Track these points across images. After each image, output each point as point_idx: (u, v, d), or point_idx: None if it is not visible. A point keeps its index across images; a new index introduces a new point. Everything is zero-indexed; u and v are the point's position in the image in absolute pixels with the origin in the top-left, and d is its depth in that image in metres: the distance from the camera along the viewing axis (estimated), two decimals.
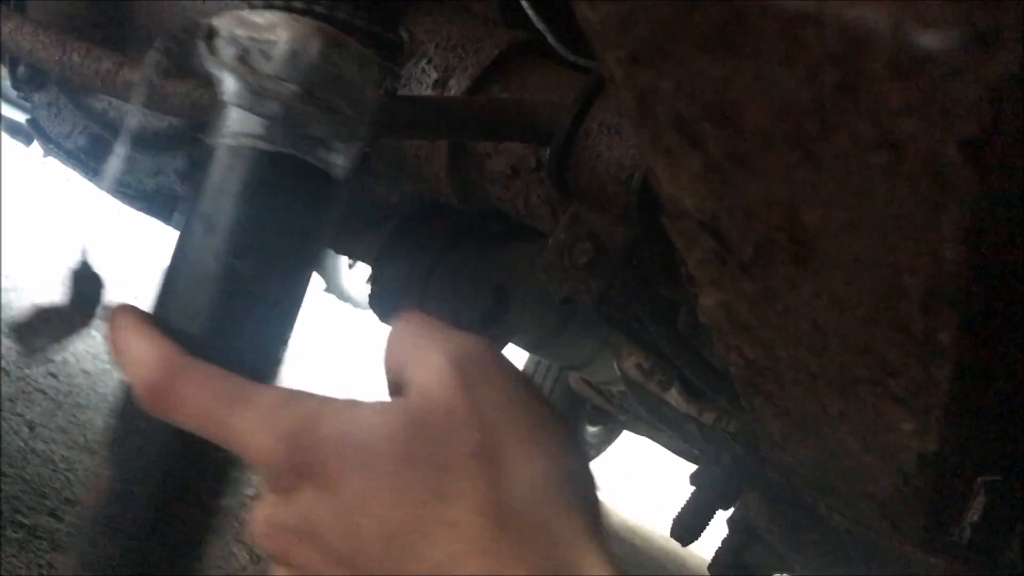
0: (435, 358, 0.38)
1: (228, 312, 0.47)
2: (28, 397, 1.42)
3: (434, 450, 0.36)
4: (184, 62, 0.50)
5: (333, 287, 5.63)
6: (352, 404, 0.38)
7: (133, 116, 1.00)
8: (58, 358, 1.64)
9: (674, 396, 1.45)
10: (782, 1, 0.25)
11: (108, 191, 0.49)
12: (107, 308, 0.46)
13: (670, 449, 2.89)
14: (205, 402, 0.40)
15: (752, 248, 0.36)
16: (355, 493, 0.36)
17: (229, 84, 0.47)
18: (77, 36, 0.89)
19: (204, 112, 0.63)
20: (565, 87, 0.91)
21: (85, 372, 1.67)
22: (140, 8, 0.96)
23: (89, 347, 1.85)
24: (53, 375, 1.56)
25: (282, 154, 0.47)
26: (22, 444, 1.25)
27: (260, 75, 0.46)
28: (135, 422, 0.44)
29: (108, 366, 1.79)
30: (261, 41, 0.47)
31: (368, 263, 1.26)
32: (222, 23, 0.48)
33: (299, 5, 0.47)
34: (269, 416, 0.38)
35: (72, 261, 0.48)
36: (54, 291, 0.48)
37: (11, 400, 1.37)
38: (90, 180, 1.04)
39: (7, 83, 3.25)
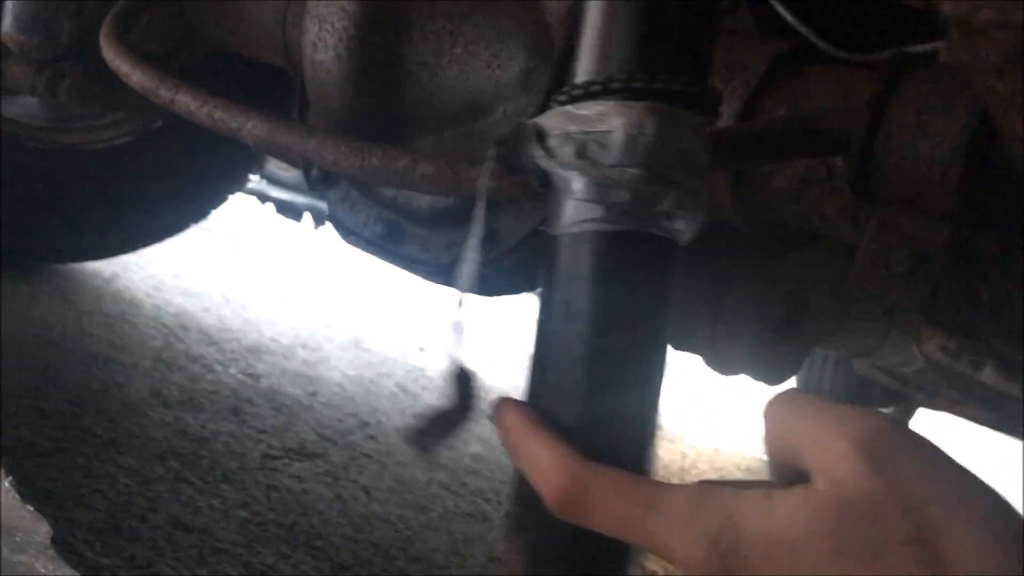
0: (836, 442, 0.37)
1: (603, 392, 0.48)
2: (357, 462, 1.53)
3: (863, 540, 0.35)
4: (512, 162, 0.52)
5: None
6: (766, 497, 0.38)
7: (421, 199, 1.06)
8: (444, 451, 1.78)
9: (989, 375, 1.35)
10: None
11: (467, 289, 0.52)
12: (490, 404, 0.49)
13: (978, 422, 2.68)
14: (619, 509, 0.41)
15: None
16: None
17: (573, 181, 0.48)
18: (368, 138, 0.96)
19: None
20: (844, 88, 0.87)
21: (398, 430, 1.79)
22: (413, 98, 1.02)
23: (395, 405, 1.98)
24: (373, 437, 1.68)
25: (627, 231, 0.48)
26: (363, 508, 1.36)
27: (603, 167, 0.47)
28: (536, 507, 0.46)
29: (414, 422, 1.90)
30: (595, 133, 0.48)
31: None
32: (551, 123, 0.50)
33: (618, 86, 0.48)
34: (688, 519, 0.38)
35: (447, 363, 0.51)
36: (438, 394, 0.51)
37: (344, 467, 1.48)
38: (394, 264, 1.11)
39: (275, 169, 3.51)
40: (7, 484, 0.89)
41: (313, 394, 1.82)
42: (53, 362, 1.45)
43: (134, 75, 1.06)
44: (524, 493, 0.49)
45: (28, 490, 0.96)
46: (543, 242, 0.97)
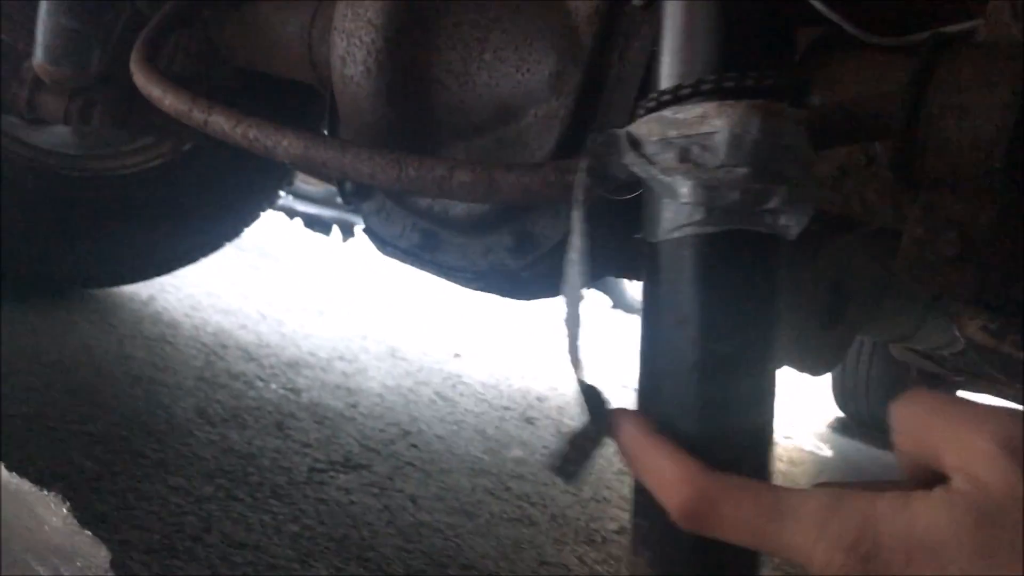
0: (978, 442, 0.36)
1: (720, 398, 0.47)
2: (401, 472, 1.54)
3: (1011, 542, 0.34)
4: (603, 172, 0.51)
5: (620, 303, 5.72)
6: (905, 499, 0.37)
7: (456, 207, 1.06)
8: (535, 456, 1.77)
9: None
10: None
11: (574, 308, 0.51)
12: (609, 416, 0.48)
13: (1020, 402, 2.65)
14: (749, 518, 0.40)
15: None
16: None
17: (678, 185, 0.47)
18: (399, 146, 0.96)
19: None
20: (878, 72, 0.86)
21: (439, 437, 1.79)
22: (443, 106, 1.02)
23: (435, 412, 1.99)
24: (415, 446, 1.68)
25: (732, 231, 0.47)
26: (411, 518, 1.36)
27: (709, 169, 0.46)
28: (661, 518, 0.45)
29: (456, 427, 1.90)
30: (696, 136, 0.47)
31: None
32: (645, 129, 0.49)
33: (709, 87, 0.47)
34: (824, 524, 0.38)
35: (577, 381, 0.50)
36: (572, 417, 0.50)
37: (390, 477, 1.49)
38: (432, 273, 1.11)
39: (301, 184, 3.56)
40: (64, 510, 0.90)
41: (354, 405, 1.83)
42: (98, 386, 1.47)
43: (166, 99, 1.07)
44: (647, 505, 0.48)
45: (83, 515, 0.97)
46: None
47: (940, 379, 3.90)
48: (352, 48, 1.02)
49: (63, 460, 1.16)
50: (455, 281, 1.12)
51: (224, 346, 1.93)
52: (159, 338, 1.83)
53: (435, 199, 1.08)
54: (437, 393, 2.17)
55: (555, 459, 0.49)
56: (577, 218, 0.51)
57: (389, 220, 1.14)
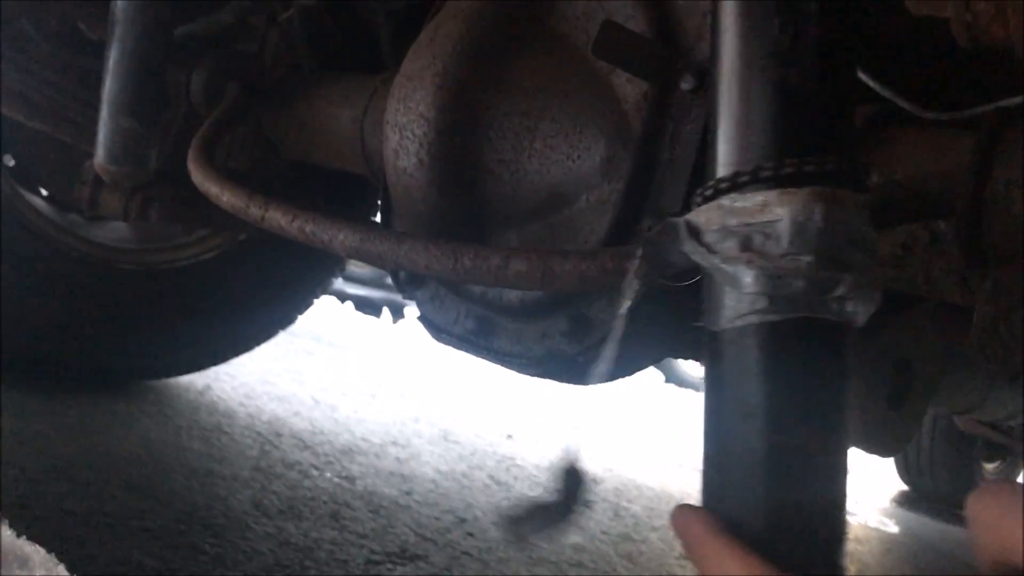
0: None
1: (789, 492, 0.46)
2: (459, 562, 1.51)
3: None
4: (661, 261, 0.50)
5: (672, 377, 5.66)
6: None
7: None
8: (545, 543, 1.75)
9: None
10: None
11: (601, 381, 0.51)
12: (671, 513, 0.47)
13: None
14: None
15: None
16: None
17: (741, 275, 0.47)
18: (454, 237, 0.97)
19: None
20: (936, 148, 0.85)
21: (495, 524, 1.76)
22: (495, 194, 1.02)
23: (489, 497, 1.96)
24: (471, 535, 1.65)
25: (797, 319, 0.46)
26: None
27: (773, 257, 0.46)
28: None
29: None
30: (758, 224, 0.46)
31: None
32: (704, 219, 0.48)
33: (768, 174, 0.47)
34: None
35: (559, 458, 0.50)
36: (543, 487, 0.50)
37: (447, 568, 1.46)
38: (487, 359, 1.10)
39: (350, 267, 3.60)
40: None
41: (408, 492, 1.81)
42: (156, 480, 1.47)
43: (224, 196, 1.09)
44: None
45: None
46: (637, 328, 0.95)
47: (1006, 449, 3.78)
48: (405, 141, 1.03)
49: (123, 558, 1.15)
50: (511, 367, 1.10)
51: (279, 434, 1.93)
52: (215, 428, 1.84)
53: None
54: (491, 477, 2.14)
55: (511, 518, 0.49)
56: (626, 307, 0.50)
57: (443, 307, 1.14)
